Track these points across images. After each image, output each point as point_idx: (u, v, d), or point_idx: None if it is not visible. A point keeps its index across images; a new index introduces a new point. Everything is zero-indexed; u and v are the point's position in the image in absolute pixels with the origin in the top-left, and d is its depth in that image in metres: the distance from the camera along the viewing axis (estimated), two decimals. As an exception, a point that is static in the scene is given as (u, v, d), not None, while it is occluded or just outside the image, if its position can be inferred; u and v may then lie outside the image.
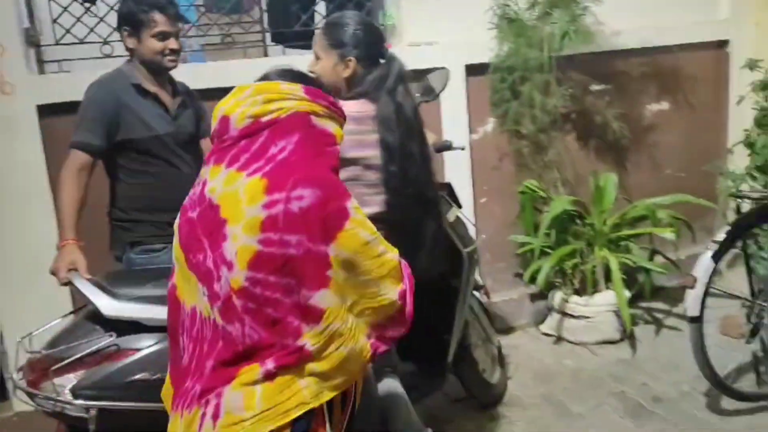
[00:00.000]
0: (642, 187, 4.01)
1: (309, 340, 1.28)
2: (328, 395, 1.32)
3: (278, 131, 1.33)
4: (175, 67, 2.42)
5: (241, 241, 1.27)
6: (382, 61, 2.07)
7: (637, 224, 3.62)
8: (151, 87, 2.40)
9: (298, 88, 1.38)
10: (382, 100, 1.97)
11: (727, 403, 2.88)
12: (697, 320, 2.67)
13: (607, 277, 3.48)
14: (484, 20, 3.47)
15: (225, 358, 1.29)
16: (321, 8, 3.74)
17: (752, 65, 3.79)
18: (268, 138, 1.33)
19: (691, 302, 2.66)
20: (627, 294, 3.45)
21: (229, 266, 1.28)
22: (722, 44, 4.22)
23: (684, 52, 4.10)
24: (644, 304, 3.80)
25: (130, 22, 2.33)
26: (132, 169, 2.40)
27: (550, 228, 3.49)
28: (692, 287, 2.66)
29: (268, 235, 1.26)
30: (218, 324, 1.31)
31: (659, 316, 3.76)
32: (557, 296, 3.62)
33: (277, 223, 1.26)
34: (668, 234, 3.33)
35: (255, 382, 1.26)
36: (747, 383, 2.97)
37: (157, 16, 2.31)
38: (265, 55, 3.54)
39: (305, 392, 1.29)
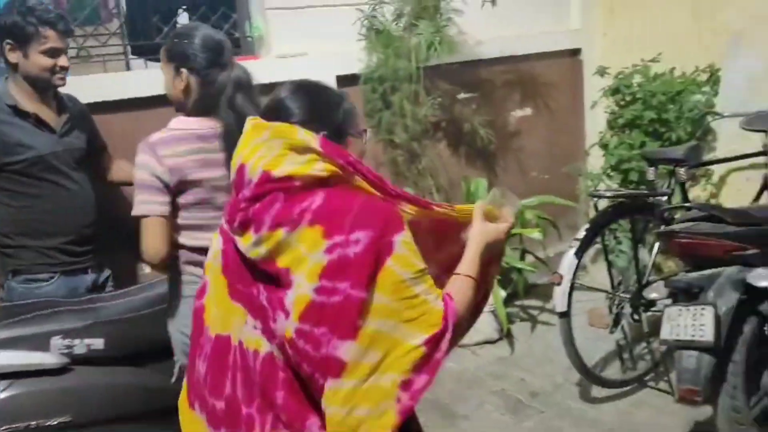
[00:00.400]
0: (511, 190, 4.16)
1: (325, 401, 1.18)
2: None
3: (297, 195, 1.22)
4: (63, 84, 2.27)
5: (301, 290, 1.18)
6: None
7: (508, 225, 3.77)
8: (31, 106, 2.23)
9: (313, 140, 1.23)
10: (221, 114, 1.88)
11: (597, 391, 3.06)
12: (565, 315, 2.83)
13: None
14: (354, 31, 3.49)
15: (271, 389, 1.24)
16: (184, 19, 3.60)
17: (602, 72, 4.08)
18: (287, 202, 1.21)
19: (558, 298, 2.81)
20: (503, 294, 3.58)
21: (287, 314, 1.20)
22: (575, 52, 4.51)
23: (542, 60, 4.34)
24: (519, 303, 3.97)
25: (15, 35, 2.14)
26: (14, 191, 2.23)
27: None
28: (559, 284, 2.81)
29: (323, 283, 1.17)
30: (277, 357, 1.25)
31: (533, 312, 3.94)
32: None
33: (333, 269, 1.17)
34: (536, 234, 3.50)
35: None
36: (613, 371, 3.18)
37: (48, 32, 2.15)
38: (128, 68, 3.36)
39: None
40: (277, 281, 1.23)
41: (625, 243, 3.57)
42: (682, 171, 2.99)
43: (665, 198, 3.00)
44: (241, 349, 1.29)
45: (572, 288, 2.82)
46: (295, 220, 1.20)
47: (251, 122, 1.30)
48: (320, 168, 1.22)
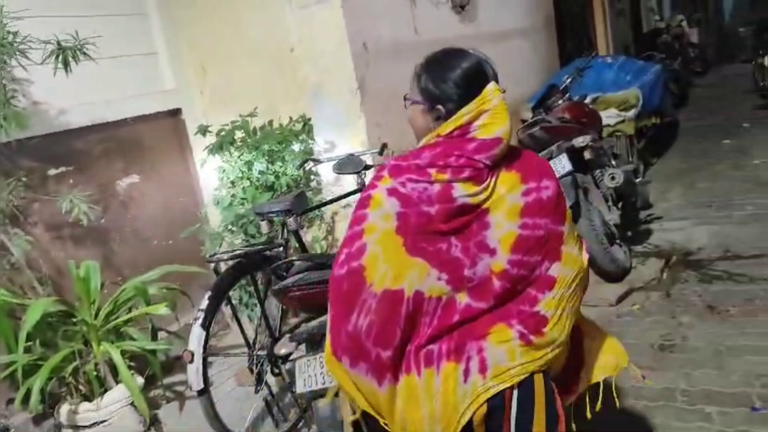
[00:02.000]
0: (134, 264, 3.86)
1: (543, 307, 1.58)
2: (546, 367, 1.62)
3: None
4: None
5: (504, 228, 1.55)
6: None
7: (135, 306, 3.45)
8: None
9: None
10: None
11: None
12: (203, 392, 2.65)
13: (116, 370, 3.20)
14: None
15: (472, 324, 1.56)
16: None
17: (203, 131, 4.05)
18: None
19: (193, 377, 2.63)
20: (140, 381, 3.25)
21: (492, 252, 1.56)
22: (176, 112, 4.41)
23: (142, 124, 4.13)
24: (162, 383, 3.65)
25: None
26: None
27: (32, 339, 3.02)
28: (191, 362, 2.62)
29: (525, 220, 1.56)
30: (457, 301, 1.57)
31: (180, 388, 3.67)
32: (64, 410, 3.16)
33: (532, 209, 1.57)
34: (163, 310, 3.26)
35: (511, 340, 1.55)
36: (269, 428, 3.11)
37: None
38: None
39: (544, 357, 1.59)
40: (466, 228, 1.57)
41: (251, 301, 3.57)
42: (291, 220, 3.09)
43: (281, 249, 3.07)
44: (417, 298, 1.55)
45: (206, 362, 2.66)
46: (499, 170, 1.60)
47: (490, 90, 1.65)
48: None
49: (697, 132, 8.10)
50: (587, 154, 4.07)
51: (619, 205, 4.38)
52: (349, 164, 3.35)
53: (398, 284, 1.54)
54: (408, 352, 1.57)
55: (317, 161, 3.76)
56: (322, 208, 3.93)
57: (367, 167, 3.37)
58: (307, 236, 4.17)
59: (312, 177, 4.10)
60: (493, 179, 1.58)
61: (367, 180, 3.58)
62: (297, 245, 3.28)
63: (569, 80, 4.94)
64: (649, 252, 4.48)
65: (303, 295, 2.23)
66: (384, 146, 3.60)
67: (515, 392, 1.56)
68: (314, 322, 2.35)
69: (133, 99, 4.07)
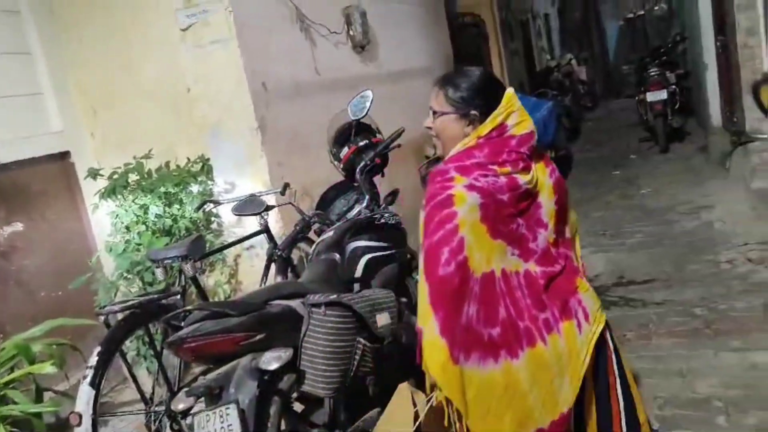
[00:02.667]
0: (19, 320, 3.57)
1: (575, 258, 2.06)
2: None
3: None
4: None
5: (549, 206, 1.94)
6: None
7: (18, 365, 3.17)
8: None
9: None
10: None
11: None
12: (94, 458, 2.45)
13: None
14: None
15: (559, 285, 1.90)
16: None
17: (93, 174, 3.85)
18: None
19: (81, 441, 2.42)
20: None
21: (545, 227, 1.93)
22: (65, 155, 4.17)
23: (28, 168, 3.88)
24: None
25: None
26: None
27: None
28: (79, 424, 2.42)
29: (556, 197, 1.96)
30: (535, 272, 1.88)
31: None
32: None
33: (556, 188, 1.98)
34: (49, 368, 3.00)
35: (588, 288, 1.98)
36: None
37: None
38: None
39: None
40: (528, 209, 1.90)
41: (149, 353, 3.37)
42: (188, 266, 2.96)
43: (179, 297, 2.93)
44: (504, 276, 1.82)
45: (96, 423, 2.47)
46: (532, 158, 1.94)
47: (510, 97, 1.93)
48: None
49: (589, 163, 8.54)
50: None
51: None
52: (250, 205, 3.26)
53: (489, 266, 1.81)
54: (526, 328, 1.81)
55: (217, 203, 3.65)
56: (224, 251, 3.80)
57: (269, 208, 3.30)
58: (209, 281, 4.02)
59: (212, 219, 3.97)
60: (534, 167, 1.93)
61: (270, 221, 3.53)
62: (196, 292, 3.14)
63: (468, 117, 5.08)
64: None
65: (198, 346, 2.11)
66: (286, 186, 3.55)
67: (607, 330, 1.99)
68: (212, 374, 2.23)
69: (17, 142, 3.82)
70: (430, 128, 2.09)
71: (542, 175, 1.95)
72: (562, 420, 1.84)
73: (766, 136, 2.32)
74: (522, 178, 1.88)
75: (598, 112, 14.05)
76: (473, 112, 1.92)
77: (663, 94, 8.20)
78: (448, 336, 1.72)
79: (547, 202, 1.94)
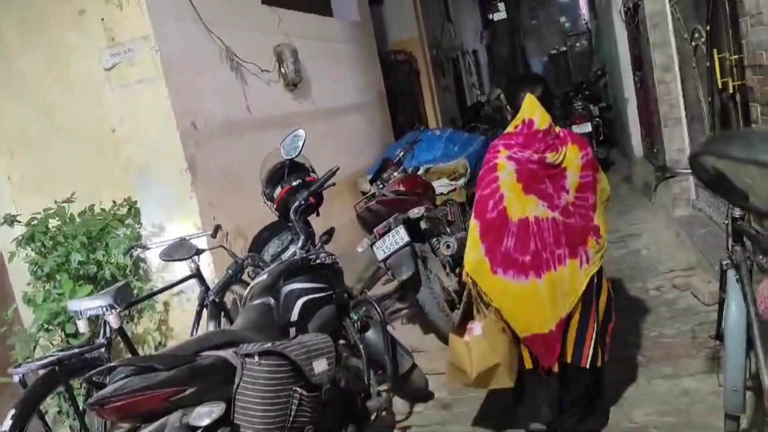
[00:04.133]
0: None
1: (596, 219, 2.69)
2: None
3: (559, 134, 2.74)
4: None
5: (572, 178, 2.64)
6: None
7: None
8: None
9: None
10: None
11: None
12: None
13: None
14: None
15: (573, 233, 2.62)
16: None
17: (10, 221, 3.63)
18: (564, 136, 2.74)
19: None
20: None
21: (567, 192, 2.64)
22: (-22, 201, 3.93)
23: (-66, 216, 3.62)
24: None
25: None
26: None
27: None
28: (-9, 497, 2.23)
29: (583, 173, 2.66)
30: (559, 220, 2.61)
31: None
32: None
33: (586, 166, 2.67)
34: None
35: (595, 243, 2.67)
36: None
37: None
38: None
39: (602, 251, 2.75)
40: (555, 177, 2.63)
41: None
42: (112, 317, 2.81)
43: (104, 350, 2.76)
44: (536, 221, 2.61)
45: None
46: (566, 143, 2.68)
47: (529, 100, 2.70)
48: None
49: (521, 195, 8.71)
50: (423, 224, 4.18)
51: (457, 270, 4.52)
52: (179, 249, 3.15)
53: (524, 214, 2.60)
54: (546, 259, 2.59)
55: (145, 247, 3.51)
56: (153, 298, 3.64)
57: (199, 252, 3.19)
58: (138, 328, 3.84)
59: (140, 264, 3.81)
60: (565, 148, 2.65)
61: (201, 264, 3.41)
62: (123, 343, 2.98)
63: (402, 153, 5.12)
64: (488, 314, 4.64)
65: (123, 405, 1.97)
66: (217, 228, 3.45)
67: (600, 273, 2.74)
68: (139, 433, 2.09)
69: None
70: None
71: (573, 155, 2.67)
72: (561, 324, 2.63)
73: (687, 171, 2.60)
74: (550, 157, 2.64)
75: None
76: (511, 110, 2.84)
77: (588, 127, 8.52)
78: (491, 256, 2.61)
79: (572, 174, 2.65)
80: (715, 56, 3.78)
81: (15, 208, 3.87)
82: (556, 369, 2.68)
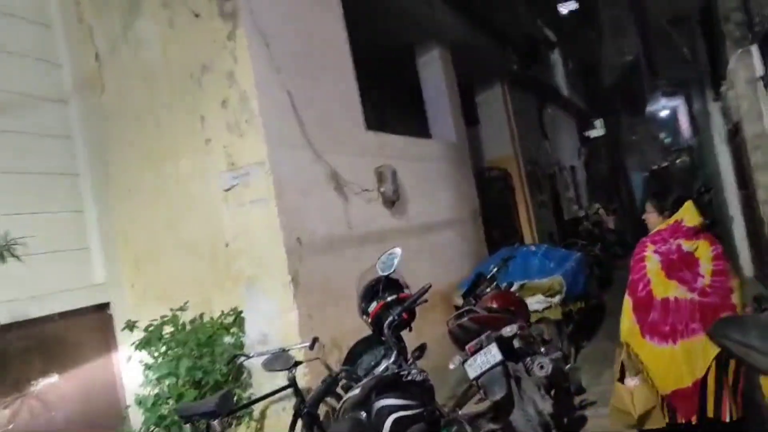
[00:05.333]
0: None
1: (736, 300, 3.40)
2: None
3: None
4: None
5: (706, 266, 3.36)
6: None
7: None
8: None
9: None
10: None
11: None
12: None
13: None
14: None
15: (708, 310, 3.25)
16: None
17: (131, 326, 3.96)
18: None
19: None
20: None
21: (702, 277, 3.35)
22: (103, 307, 4.32)
23: (66, 320, 4.02)
24: None
25: None
26: None
27: None
28: None
29: (714, 263, 3.39)
30: (695, 300, 3.31)
31: None
32: None
33: (717, 257, 3.42)
34: None
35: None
36: None
37: None
38: None
39: None
40: (691, 265, 3.39)
41: None
42: (215, 423, 2.96)
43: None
44: (676, 300, 3.33)
45: None
46: (699, 238, 3.48)
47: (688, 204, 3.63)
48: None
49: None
50: (516, 343, 4.15)
51: (552, 392, 4.39)
52: (278, 361, 3.31)
53: (666, 294, 3.38)
54: (681, 330, 3.30)
55: (247, 356, 3.70)
56: (252, 406, 3.79)
57: (297, 363, 3.33)
58: (236, 434, 3.97)
59: (242, 371, 4.00)
60: (698, 241, 3.44)
61: (298, 375, 3.55)
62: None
63: (495, 269, 5.17)
64: (586, 441, 4.44)
65: None
66: (315, 340, 3.60)
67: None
68: None
69: (61, 294, 4.00)
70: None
71: (704, 247, 3.44)
72: (697, 383, 3.24)
73: None
74: (685, 245, 3.45)
75: (628, 259, 13.99)
76: (666, 212, 3.66)
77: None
78: (641, 325, 3.42)
79: (704, 263, 3.39)
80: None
81: (135, 314, 4.22)
82: (694, 421, 3.28)
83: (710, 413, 3.26)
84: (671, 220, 3.57)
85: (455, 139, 7.90)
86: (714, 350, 3.17)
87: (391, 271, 3.25)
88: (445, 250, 6.70)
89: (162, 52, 4.45)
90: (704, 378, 3.25)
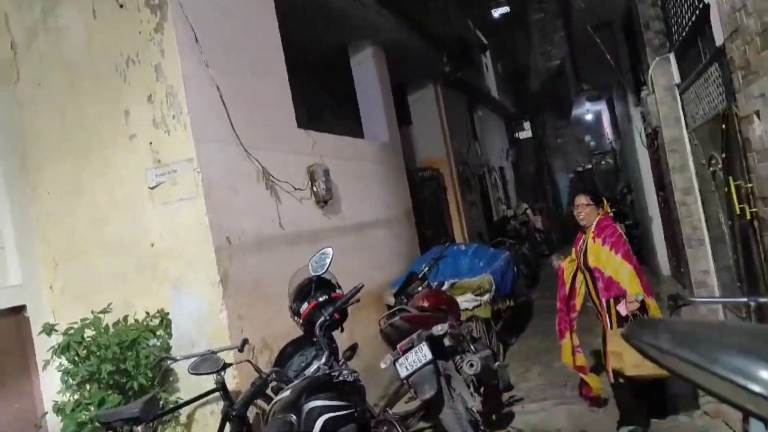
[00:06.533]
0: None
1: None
2: None
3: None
4: None
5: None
6: None
7: None
8: None
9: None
10: None
11: None
12: None
13: None
14: None
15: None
16: None
17: (49, 330, 3.78)
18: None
19: None
20: None
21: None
22: (19, 309, 4.11)
23: (-23, 323, 3.79)
24: None
25: None
26: None
27: None
28: None
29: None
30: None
31: None
32: None
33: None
34: None
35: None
36: None
37: None
38: None
39: None
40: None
41: None
42: (139, 429, 2.86)
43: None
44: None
45: None
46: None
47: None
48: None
49: (549, 310, 8.60)
50: (447, 341, 4.21)
51: (481, 390, 4.48)
52: (206, 363, 3.23)
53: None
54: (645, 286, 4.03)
55: (173, 359, 3.59)
56: (178, 410, 3.68)
57: (226, 366, 3.26)
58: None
59: (169, 375, 3.88)
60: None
61: (227, 377, 3.47)
62: (146, 456, 3.01)
63: (427, 268, 5.22)
64: (512, 437, 4.55)
65: None
66: (245, 342, 3.54)
67: None
68: None
69: (-30, 297, 3.77)
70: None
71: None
72: None
73: (701, 299, 2.69)
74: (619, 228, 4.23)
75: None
76: (601, 206, 4.23)
77: (615, 245, 8.58)
78: (645, 288, 3.96)
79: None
80: (731, 183, 3.91)
81: (55, 317, 4.03)
82: None
83: None
84: (607, 210, 4.28)
85: (388, 139, 7.93)
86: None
87: (324, 270, 3.23)
88: (378, 249, 6.72)
89: (84, 43, 4.25)
90: None
